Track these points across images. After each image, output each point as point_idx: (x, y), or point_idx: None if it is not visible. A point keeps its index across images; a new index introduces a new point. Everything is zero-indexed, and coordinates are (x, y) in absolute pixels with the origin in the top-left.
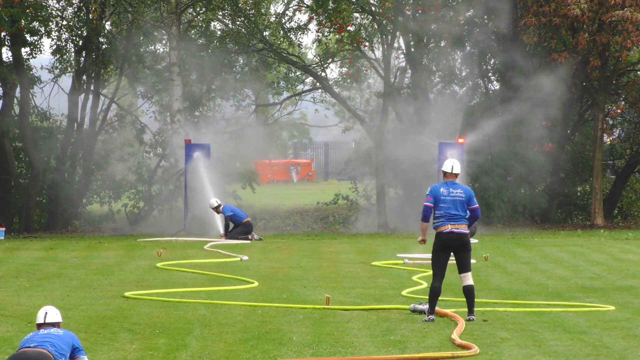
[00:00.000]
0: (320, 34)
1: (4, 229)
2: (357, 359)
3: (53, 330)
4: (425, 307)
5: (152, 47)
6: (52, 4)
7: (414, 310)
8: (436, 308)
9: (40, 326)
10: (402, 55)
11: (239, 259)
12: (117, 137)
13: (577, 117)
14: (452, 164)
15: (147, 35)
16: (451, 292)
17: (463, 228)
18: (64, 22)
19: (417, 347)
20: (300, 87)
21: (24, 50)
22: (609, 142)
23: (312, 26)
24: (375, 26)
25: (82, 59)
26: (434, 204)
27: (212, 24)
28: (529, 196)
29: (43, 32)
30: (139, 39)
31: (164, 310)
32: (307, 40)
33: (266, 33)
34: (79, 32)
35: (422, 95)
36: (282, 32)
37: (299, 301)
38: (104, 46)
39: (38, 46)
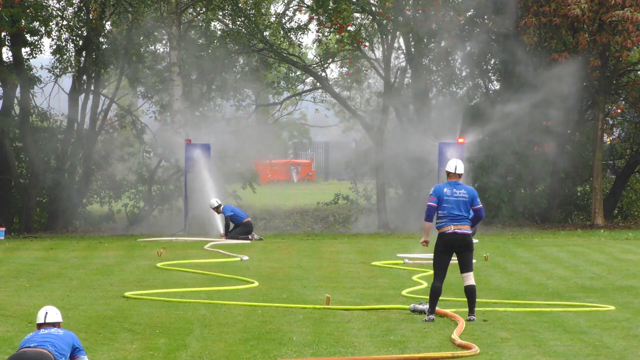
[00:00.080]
0: (320, 34)
1: (4, 229)
2: (357, 359)
3: (53, 330)
4: (426, 307)
5: (152, 47)
6: (52, 4)
7: (414, 310)
8: (436, 308)
9: (40, 326)
10: (402, 55)
11: (239, 259)
12: (117, 137)
13: (577, 117)
14: (456, 164)
15: (147, 35)
16: (451, 292)
17: (466, 229)
18: (64, 22)
19: (417, 347)
20: (300, 87)
21: (24, 50)
22: (609, 142)
23: (312, 26)
24: (375, 26)
25: (82, 59)
26: (437, 204)
27: (212, 24)
28: (529, 196)
29: (43, 32)
30: (139, 39)
31: (164, 310)
32: (307, 40)
33: (266, 33)
34: (79, 32)
35: (422, 95)
36: (282, 32)
37: (299, 301)
38: (104, 46)
39: (38, 46)
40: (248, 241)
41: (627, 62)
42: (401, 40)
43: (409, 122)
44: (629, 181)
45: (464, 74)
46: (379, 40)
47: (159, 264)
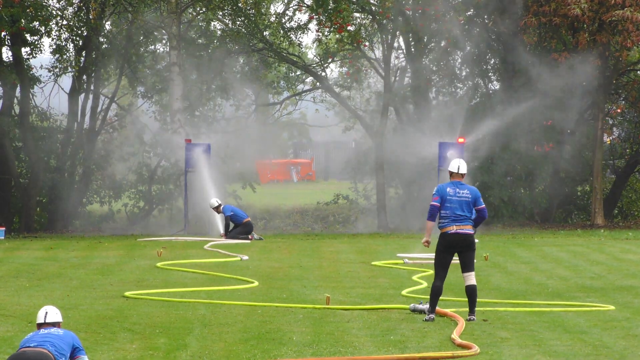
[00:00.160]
0: (320, 34)
1: (4, 228)
2: (357, 358)
3: (53, 330)
4: (426, 306)
5: (152, 47)
6: (52, 4)
7: (414, 310)
8: (436, 308)
9: (40, 326)
10: (402, 55)
11: (239, 258)
12: (117, 137)
13: (577, 117)
14: (459, 164)
15: (147, 35)
16: (452, 292)
17: (468, 229)
18: (64, 22)
19: (417, 347)
20: (300, 87)
21: (24, 50)
22: (609, 142)
23: (312, 26)
24: (375, 26)
25: (82, 58)
26: (440, 204)
27: (212, 24)
28: (529, 196)
29: (43, 31)
30: (139, 39)
31: (164, 310)
32: (307, 40)
33: (266, 33)
34: (79, 31)
35: (422, 95)
36: (282, 31)
37: (299, 301)
38: (103, 46)
39: (38, 46)
40: (248, 241)
41: (627, 62)
42: (401, 40)
43: (409, 122)
44: (629, 181)
45: (464, 73)
46: (379, 40)
47: (159, 264)
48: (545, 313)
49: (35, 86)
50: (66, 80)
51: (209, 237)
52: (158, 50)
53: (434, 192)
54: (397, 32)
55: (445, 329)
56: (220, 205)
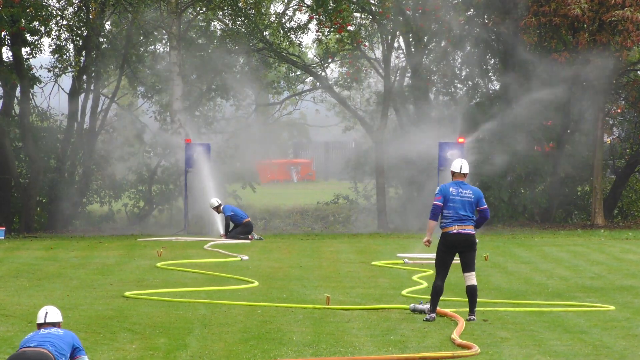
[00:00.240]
0: (320, 34)
1: (4, 228)
2: (357, 358)
3: (53, 330)
4: (426, 306)
5: (152, 47)
6: (52, 4)
7: (414, 310)
8: (437, 308)
9: (40, 326)
10: (402, 55)
11: (239, 258)
12: (117, 137)
13: (577, 117)
14: (461, 164)
15: (147, 35)
16: (452, 292)
17: (470, 229)
18: (64, 22)
19: (417, 347)
20: (300, 87)
21: (24, 50)
22: (609, 142)
23: (312, 26)
24: (375, 26)
25: (82, 58)
26: (442, 204)
27: (212, 24)
28: (529, 196)
29: (43, 31)
30: (139, 39)
31: (164, 310)
32: (307, 40)
33: (266, 33)
34: (79, 31)
35: (422, 95)
36: (282, 31)
37: (299, 301)
38: (104, 46)
39: (38, 46)
40: (248, 241)
41: (627, 62)
42: (401, 40)
43: (409, 122)
44: (629, 181)
45: (464, 73)
46: (379, 40)
47: (159, 264)
48: (545, 313)
49: (35, 86)
50: (66, 80)
51: (209, 237)
52: (158, 50)
53: (436, 192)
54: (397, 32)
55: (445, 329)
56: (220, 205)
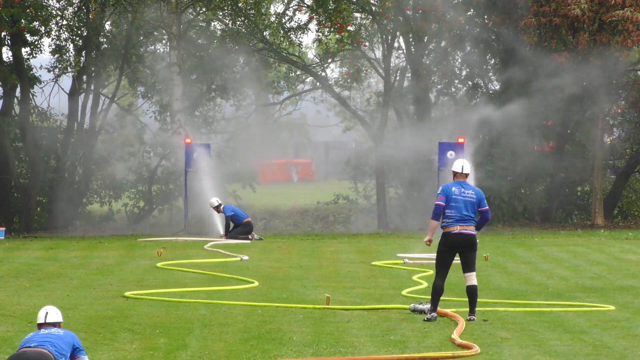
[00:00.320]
0: (320, 34)
1: (4, 229)
2: (357, 358)
3: (54, 330)
4: (426, 306)
5: (152, 47)
6: (52, 4)
7: (414, 310)
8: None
9: (40, 326)
10: (402, 55)
11: (239, 258)
12: (117, 137)
13: (577, 117)
14: (462, 164)
15: (147, 35)
16: (452, 292)
17: (471, 229)
18: (64, 22)
19: (417, 347)
20: (300, 87)
21: (24, 50)
22: (609, 142)
23: (312, 26)
24: (375, 26)
25: (82, 58)
26: (445, 203)
27: (212, 24)
28: (529, 196)
29: (43, 31)
30: (139, 39)
31: (164, 310)
32: (307, 40)
33: (266, 33)
34: (79, 31)
35: (422, 95)
36: (282, 32)
37: (299, 301)
38: (103, 46)
39: (38, 46)
40: (248, 241)
41: (627, 62)
42: (401, 40)
43: (409, 122)
44: (629, 181)
45: (464, 73)
46: (379, 40)
47: (159, 264)
48: (545, 313)
49: (35, 86)
50: (66, 81)
51: (209, 237)
52: (158, 50)
53: (438, 192)
54: (397, 32)
55: (445, 329)
56: (220, 204)
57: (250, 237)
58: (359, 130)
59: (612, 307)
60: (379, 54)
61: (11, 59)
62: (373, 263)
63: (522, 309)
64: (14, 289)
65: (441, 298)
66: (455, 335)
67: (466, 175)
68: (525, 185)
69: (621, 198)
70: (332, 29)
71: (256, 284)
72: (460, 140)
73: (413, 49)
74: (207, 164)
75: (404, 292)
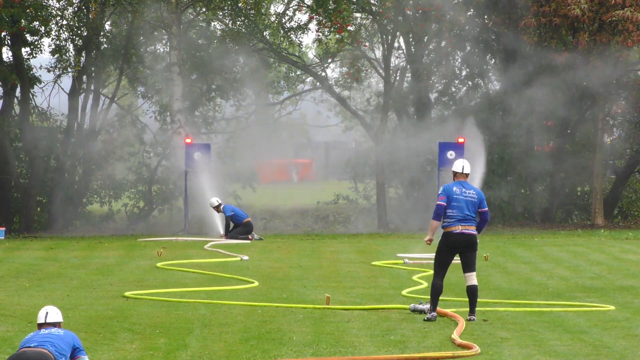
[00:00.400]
0: (320, 34)
1: (4, 229)
2: (357, 358)
3: (54, 330)
4: (426, 306)
5: (152, 47)
6: (52, 4)
7: (414, 310)
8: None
9: (41, 326)
10: (402, 55)
11: (239, 258)
12: (117, 137)
13: (577, 117)
14: (463, 164)
15: (147, 35)
16: (452, 292)
17: (472, 229)
18: (64, 22)
19: (417, 347)
20: (300, 87)
21: (24, 50)
22: (609, 142)
23: (312, 26)
24: (375, 26)
25: (82, 58)
26: (446, 203)
27: (212, 24)
28: (529, 196)
29: (43, 32)
30: (139, 39)
31: (164, 310)
32: (307, 40)
33: (266, 33)
34: (79, 31)
35: (422, 95)
36: (282, 31)
37: (299, 301)
38: (103, 46)
39: (38, 46)
40: (248, 241)
41: (627, 62)
42: (401, 40)
43: (409, 122)
44: (629, 181)
45: (464, 73)
46: (379, 40)
47: (159, 264)
48: (545, 313)
49: (35, 86)
50: (66, 81)
51: (209, 237)
52: (158, 50)
53: (440, 192)
54: (397, 32)
55: (445, 329)
56: (220, 204)
57: (250, 237)
58: (359, 130)
59: (612, 307)
60: (379, 54)
61: (11, 59)
62: (373, 263)
63: (522, 309)
64: (14, 289)
65: (441, 298)
66: (455, 335)
67: (466, 175)
68: (525, 185)
69: (621, 198)
70: (332, 29)
71: (256, 284)
72: (460, 140)
73: (413, 49)
74: (207, 164)
75: (404, 292)
